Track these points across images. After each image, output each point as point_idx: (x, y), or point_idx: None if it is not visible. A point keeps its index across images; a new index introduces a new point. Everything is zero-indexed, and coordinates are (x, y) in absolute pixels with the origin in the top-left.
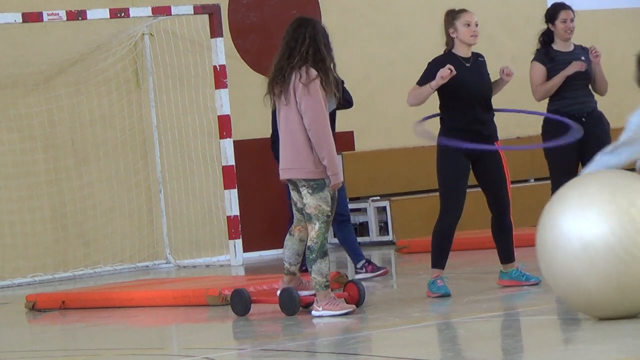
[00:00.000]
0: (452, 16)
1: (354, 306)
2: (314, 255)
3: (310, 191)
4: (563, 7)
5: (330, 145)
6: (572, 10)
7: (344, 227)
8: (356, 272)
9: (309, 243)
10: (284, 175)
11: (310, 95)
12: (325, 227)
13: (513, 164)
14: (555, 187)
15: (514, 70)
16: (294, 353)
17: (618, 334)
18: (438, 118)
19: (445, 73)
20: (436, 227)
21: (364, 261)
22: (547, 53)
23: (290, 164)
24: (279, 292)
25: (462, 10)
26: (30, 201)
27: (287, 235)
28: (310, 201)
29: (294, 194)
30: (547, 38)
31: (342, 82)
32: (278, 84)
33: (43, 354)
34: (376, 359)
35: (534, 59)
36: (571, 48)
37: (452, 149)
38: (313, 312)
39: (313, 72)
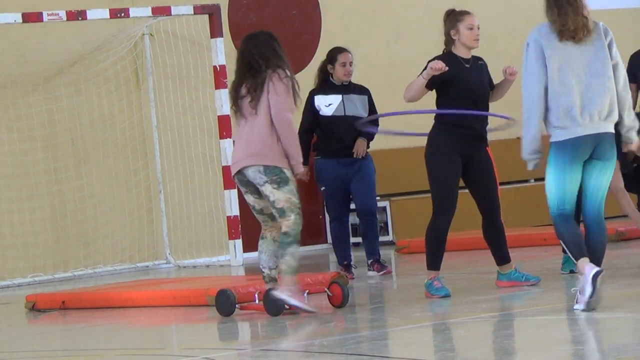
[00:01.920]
0: (454, 17)
1: (316, 311)
2: (290, 239)
3: (275, 186)
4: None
5: (293, 136)
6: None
7: (369, 222)
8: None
9: (284, 229)
10: (244, 163)
11: (279, 89)
12: (299, 219)
13: (513, 164)
14: None
15: (517, 69)
16: (294, 353)
17: (618, 334)
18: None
19: (438, 65)
20: (431, 228)
21: (371, 260)
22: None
23: (253, 151)
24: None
25: (465, 13)
26: (30, 201)
27: (260, 240)
28: (279, 196)
29: (248, 197)
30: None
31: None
32: (249, 99)
33: (43, 354)
34: (376, 359)
35: None
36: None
37: (445, 149)
38: (273, 292)
39: (283, 72)
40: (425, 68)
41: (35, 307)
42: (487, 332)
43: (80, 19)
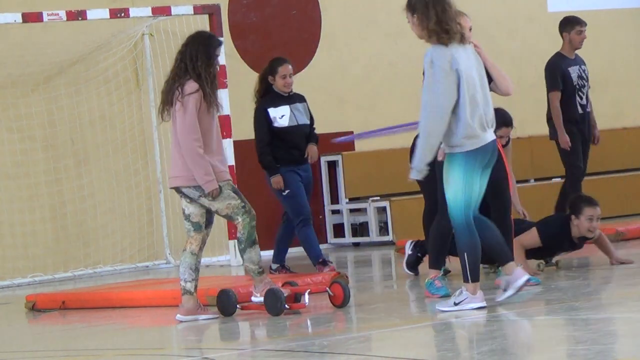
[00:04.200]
0: None
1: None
2: (242, 246)
3: (210, 199)
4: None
5: (193, 158)
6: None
7: (305, 227)
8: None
9: (237, 235)
10: (171, 183)
11: (181, 110)
12: (247, 217)
13: (513, 165)
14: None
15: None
16: (294, 353)
17: (618, 334)
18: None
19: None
20: (435, 228)
21: (320, 259)
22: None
23: (178, 172)
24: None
25: (458, 14)
26: (30, 201)
27: (182, 252)
28: (218, 206)
29: (182, 202)
30: None
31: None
32: (165, 102)
33: (43, 354)
34: (376, 359)
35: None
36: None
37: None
38: (253, 299)
39: (187, 88)
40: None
41: (35, 307)
42: (487, 332)
43: (80, 19)
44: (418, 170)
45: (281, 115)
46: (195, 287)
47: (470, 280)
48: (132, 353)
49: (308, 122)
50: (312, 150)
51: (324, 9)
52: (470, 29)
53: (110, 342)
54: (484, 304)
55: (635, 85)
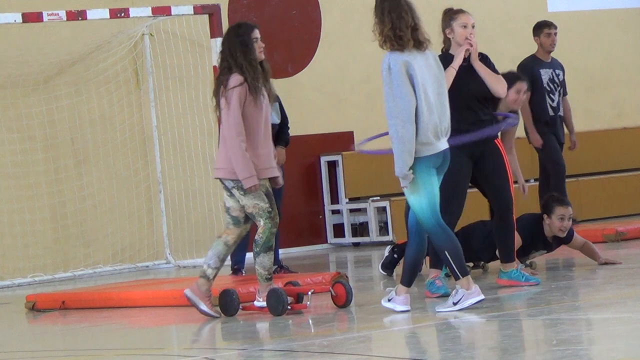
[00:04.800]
0: (449, 16)
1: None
2: (258, 249)
3: (242, 192)
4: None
5: (234, 153)
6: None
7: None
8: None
9: (255, 237)
10: (215, 173)
11: (226, 106)
12: (270, 223)
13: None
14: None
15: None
16: (294, 353)
17: (618, 334)
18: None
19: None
20: None
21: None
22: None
23: (221, 164)
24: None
25: (460, 11)
26: (30, 201)
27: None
28: (246, 202)
29: (224, 194)
30: None
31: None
32: (215, 97)
33: (43, 354)
34: (376, 359)
35: None
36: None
37: (455, 152)
38: (255, 303)
39: (231, 81)
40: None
41: (35, 307)
42: (487, 332)
43: (80, 19)
44: (403, 177)
45: None
46: (214, 276)
47: (460, 276)
48: (132, 353)
49: (276, 121)
50: (279, 153)
51: (324, 9)
52: (473, 26)
53: (110, 342)
54: (482, 297)
55: (635, 85)
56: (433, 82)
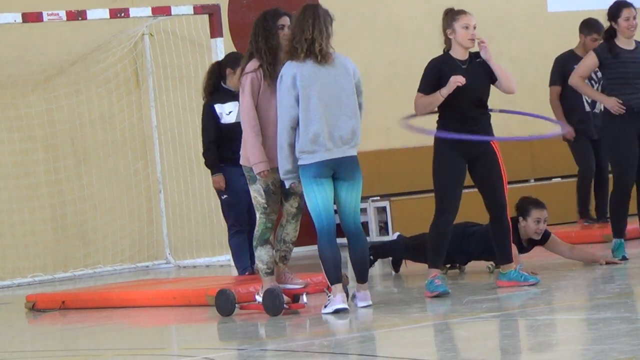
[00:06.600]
0: (450, 17)
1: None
2: (255, 242)
3: (248, 182)
4: (625, 4)
5: (245, 138)
6: (634, 8)
7: (237, 236)
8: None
9: (254, 231)
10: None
11: (242, 91)
12: (264, 218)
13: (513, 165)
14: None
15: (484, 39)
16: (294, 353)
17: (618, 334)
18: (435, 118)
19: (458, 79)
20: (432, 227)
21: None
22: (610, 48)
23: (241, 150)
24: (259, 296)
25: (461, 12)
26: (30, 201)
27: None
28: (250, 190)
29: None
30: (609, 35)
31: None
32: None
33: (43, 354)
34: (376, 359)
35: (593, 49)
36: (633, 46)
37: (448, 150)
38: (256, 297)
39: (247, 67)
40: (424, 73)
41: (35, 307)
42: (487, 332)
43: (80, 19)
44: (284, 179)
45: (228, 112)
46: (284, 257)
47: (329, 284)
48: (132, 353)
49: None
50: None
51: None
52: (475, 27)
53: (110, 342)
54: (342, 306)
55: None
56: (329, 93)
